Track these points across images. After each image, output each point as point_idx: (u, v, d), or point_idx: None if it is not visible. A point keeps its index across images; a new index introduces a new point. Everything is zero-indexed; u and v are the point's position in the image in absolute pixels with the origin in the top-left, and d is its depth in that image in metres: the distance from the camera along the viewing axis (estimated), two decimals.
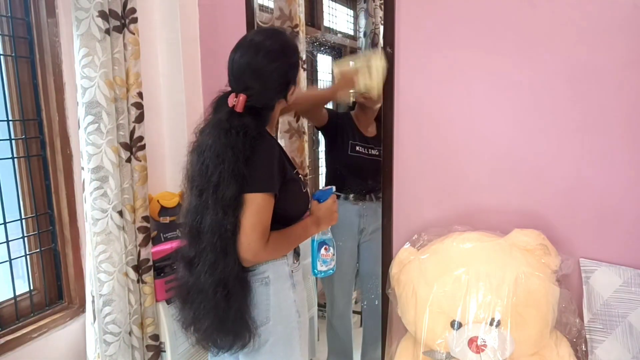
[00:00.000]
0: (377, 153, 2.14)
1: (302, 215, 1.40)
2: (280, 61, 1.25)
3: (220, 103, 1.29)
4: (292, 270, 1.35)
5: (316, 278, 2.26)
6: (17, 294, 1.59)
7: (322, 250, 1.48)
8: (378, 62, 1.69)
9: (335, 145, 2.22)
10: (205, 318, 1.24)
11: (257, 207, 1.20)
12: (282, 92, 1.30)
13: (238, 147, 1.18)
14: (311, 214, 1.41)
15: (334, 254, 1.52)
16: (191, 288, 1.26)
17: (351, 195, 2.17)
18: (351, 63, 1.77)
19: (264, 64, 1.23)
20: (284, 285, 1.33)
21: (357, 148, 2.15)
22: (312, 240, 1.48)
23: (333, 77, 1.80)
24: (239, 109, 1.22)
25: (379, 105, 2.15)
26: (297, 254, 1.40)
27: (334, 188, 1.49)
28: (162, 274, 1.78)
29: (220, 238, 1.19)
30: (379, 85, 1.71)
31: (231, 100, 1.23)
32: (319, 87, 2.15)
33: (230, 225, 1.18)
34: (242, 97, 1.21)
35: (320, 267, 1.50)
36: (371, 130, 2.19)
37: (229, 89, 1.29)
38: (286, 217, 1.31)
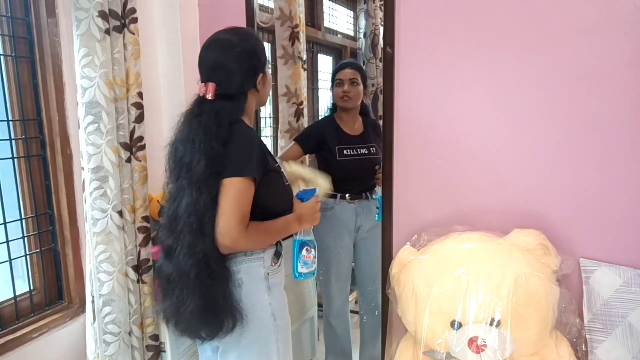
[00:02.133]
0: (367, 151, 2.15)
1: (286, 211, 1.39)
2: (239, 47, 1.31)
3: (194, 100, 1.34)
4: (267, 273, 1.33)
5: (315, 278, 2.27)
6: (17, 294, 1.59)
7: (304, 252, 1.45)
8: (321, 183, 1.67)
9: (323, 156, 2.21)
10: (189, 301, 1.23)
11: (235, 192, 1.20)
12: (249, 78, 1.33)
13: (210, 128, 1.21)
14: (294, 211, 1.41)
15: (315, 257, 1.48)
16: (171, 275, 1.26)
17: (347, 195, 2.17)
18: (301, 171, 1.75)
19: (224, 51, 1.31)
20: (258, 287, 1.31)
21: (345, 152, 2.15)
22: (294, 240, 1.46)
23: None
24: (209, 96, 1.26)
25: (358, 104, 2.16)
26: (277, 256, 1.37)
27: (317, 189, 1.49)
28: None
29: (197, 217, 1.19)
30: (324, 184, 1.68)
31: (201, 89, 1.29)
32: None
33: (204, 203, 1.19)
34: (210, 84, 1.27)
35: (301, 269, 1.46)
36: (357, 128, 2.19)
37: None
38: (268, 210, 1.31)
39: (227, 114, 1.25)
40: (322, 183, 1.68)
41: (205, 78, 1.31)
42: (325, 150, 2.17)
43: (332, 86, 2.20)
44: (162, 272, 1.31)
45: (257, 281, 1.31)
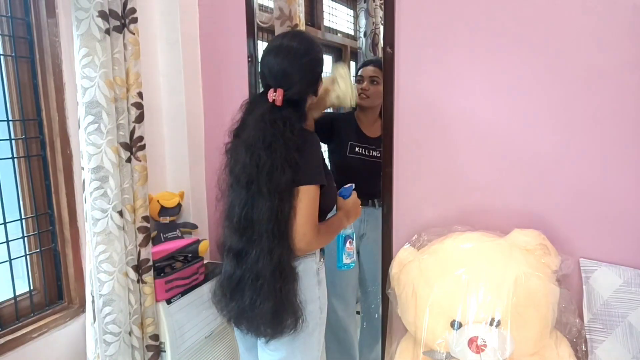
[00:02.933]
0: (378, 154, 2.12)
1: (331, 209, 1.46)
2: (308, 57, 1.36)
3: (253, 104, 1.38)
4: (318, 268, 1.41)
5: None
6: (17, 294, 1.59)
7: (347, 244, 1.56)
8: (341, 71, 1.72)
9: (333, 147, 2.19)
10: (265, 302, 1.28)
11: (310, 199, 1.28)
12: (312, 85, 1.39)
13: (287, 136, 1.26)
14: (340, 209, 1.49)
15: (354, 247, 1.59)
16: (242, 278, 1.31)
17: None
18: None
19: (294, 60, 1.34)
20: (311, 282, 1.38)
21: (357, 149, 2.12)
22: (338, 235, 1.54)
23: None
24: (278, 102, 1.30)
25: (377, 104, 2.14)
26: (322, 251, 1.46)
27: (353, 185, 1.54)
28: (162, 274, 1.78)
29: (277, 224, 1.25)
30: (350, 93, 1.72)
31: (270, 95, 1.32)
32: None
33: (287, 210, 1.25)
34: (280, 90, 1.31)
35: (346, 260, 1.57)
36: (374, 131, 2.16)
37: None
38: (323, 209, 1.37)
39: (298, 121, 1.30)
40: (341, 71, 1.73)
41: (274, 84, 1.33)
42: (337, 143, 2.15)
43: (354, 83, 2.19)
44: (228, 273, 1.36)
45: (310, 276, 1.39)
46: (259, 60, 1.46)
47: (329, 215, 1.48)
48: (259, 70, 1.39)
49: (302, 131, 1.30)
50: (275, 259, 1.26)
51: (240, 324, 1.39)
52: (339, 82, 1.72)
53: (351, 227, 1.56)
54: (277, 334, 1.32)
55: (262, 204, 1.26)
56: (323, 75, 1.45)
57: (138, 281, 1.69)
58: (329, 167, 2.27)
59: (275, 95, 1.31)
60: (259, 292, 1.28)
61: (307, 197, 1.27)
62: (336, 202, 1.49)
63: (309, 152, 1.29)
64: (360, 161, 2.12)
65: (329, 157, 2.26)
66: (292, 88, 1.32)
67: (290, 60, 1.33)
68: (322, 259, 1.45)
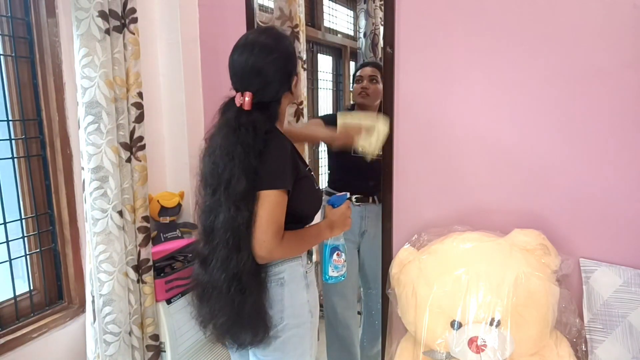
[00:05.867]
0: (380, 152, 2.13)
1: (316, 213, 1.40)
2: (277, 53, 1.27)
3: (227, 107, 1.30)
4: (306, 271, 1.37)
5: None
6: (17, 294, 1.59)
7: (334, 256, 1.46)
8: (381, 128, 1.64)
9: (334, 151, 2.19)
10: (221, 314, 1.25)
11: (271, 204, 1.21)
12: (285, 83, 1.31)
13: (247, 143, 1.20)
14: (325, 218, 1.42)
15: (345, 260, 1.49)
16: (206, 285, 1.28)
17: (354, 197, 2.16)
18: (357, 119, 1.71)
19: (262, 58, 1.25)
20: (299, 285, 1.34)
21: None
22: (325, 245, 1.46)
23: (336, 125, 1.69)
24: (246, 106, 1.24)
25: (376, 102, 2.15)
26: (309, 254, 1.41)
27: (348, 194, 1.47)
28: (162, 274, 1.79)
29: (233, 234, 1.20)
30: (376, 150, 1.66)
31: (238, 99, 1.25)
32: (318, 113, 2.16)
33: (243, 219, 1.20)
34: (248, 94, 1.24)
35: (332, 272, 1.48)
36: None
37: (234, 94, 1.30)
38: (301, 215, 1.32)
39: (264, 125, 1.24)
40: (382, 127, 1.64)
41: (241, 86, 1.26)
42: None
43: (353, 84, 2.20)
44: (197, 277, 1.33)
45: (298, 280, 1.34)
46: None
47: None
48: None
49: (267, 134, 1.23)
50: (230, 269, 1.21)
51: (206, 330, 1.35)
52: (372, 137, 1.62)
53: (341, 239, 1.46)
54: (237, 344, 1.29)
55: (221, 213, 1.22)
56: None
57: (138, 281, 1.69)
58: (329, 168, 2.30)
59: (242, 100, 1.23)
60: (215, 302, 1.25)
61: (267, 202, 1.20)
62: (320, 207, 1.42)
63: (271, 157, 1.22)
64: (362, 159, 2.13)
65: (330, 158, 2.27)
66: (261, 90, 1.25)
67: (258, 58, 1.24)
68: (309, 262, 1.39)
